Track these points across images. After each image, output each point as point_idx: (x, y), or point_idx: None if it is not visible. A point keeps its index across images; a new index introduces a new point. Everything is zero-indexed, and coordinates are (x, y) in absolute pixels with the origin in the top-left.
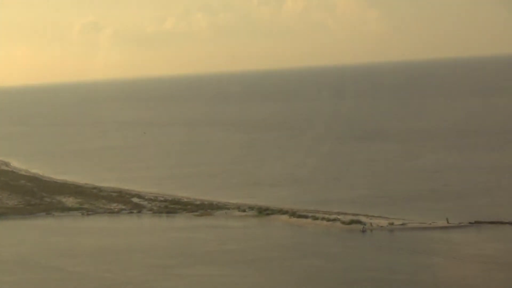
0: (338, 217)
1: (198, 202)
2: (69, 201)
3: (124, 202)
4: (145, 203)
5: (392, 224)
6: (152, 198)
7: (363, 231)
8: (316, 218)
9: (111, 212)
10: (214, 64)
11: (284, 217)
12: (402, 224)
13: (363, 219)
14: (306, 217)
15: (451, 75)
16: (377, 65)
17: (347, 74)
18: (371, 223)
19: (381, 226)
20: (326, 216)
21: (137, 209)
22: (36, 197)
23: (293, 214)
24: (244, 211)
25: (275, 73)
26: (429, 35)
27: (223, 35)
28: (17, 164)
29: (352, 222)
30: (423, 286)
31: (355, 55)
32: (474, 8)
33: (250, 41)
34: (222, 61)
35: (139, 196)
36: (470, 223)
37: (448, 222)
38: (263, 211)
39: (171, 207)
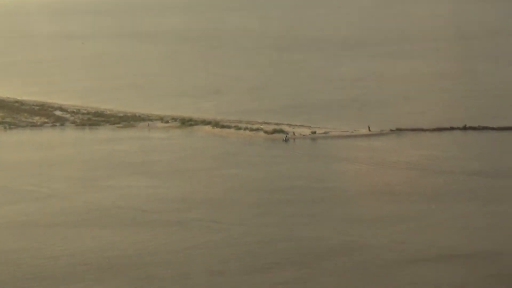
0: (261, 126)
1: (121, 114)
2: None
3: (47, 115)
4: (67, 116)
5: (314, 132)
6: (75, 111)
7: (286, 140)
8: (239, 128)
9: (34, 125)
10: None
11: (207, 128)
12: (324, 133)
13: (285, 128)
14: (229, 127)
15: None
16: None
17: None
18: (293, 132)
19: (304, 135)
20: (249, 126)
21: (60, 122)
22: None
23: (216, 124)
24: (167, 122)
25: None
26: None
27: None
28: None
29: (274, 131)
30: (348, 193)
31: None
32: None
33: None
34: None
35: (61, 109)
36: (391, 130)
37: (369, 130)
38: (186, 122)
39: (94, 119)
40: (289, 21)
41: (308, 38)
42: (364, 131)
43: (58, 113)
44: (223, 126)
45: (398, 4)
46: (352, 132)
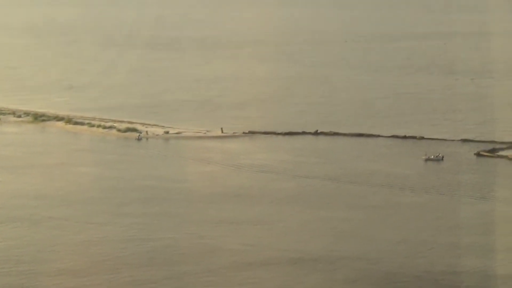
0: (114, 124)
1: None
2: None
3: None
4: None
5: (167, 132)
6: None
7: (139, 138)
8: (92, 125)
9: None
10: None
11: (60, 124)
12: (177, 133)
13: (139, 127)
14: (82, 124)
15: None
16: None
17: None
18: (146, 131)
19: (157, 134)
20: (103, 123)
21: None
22: None
23: (69, 120)
24: (19, 117)
25: None
26: None
27: None
28: None
29: (128, 129)
30: (201, 194)
31: None
32: None
33: None
34: None
35: None
36: (244, 133)
37: (222, 132)
38: (39, 117)
39: None
40: (151, 20)
41: (167, 38)
42: (217, 132)
43: None
44: (76, 123)
45: (257, 7)
46: (205, 133)
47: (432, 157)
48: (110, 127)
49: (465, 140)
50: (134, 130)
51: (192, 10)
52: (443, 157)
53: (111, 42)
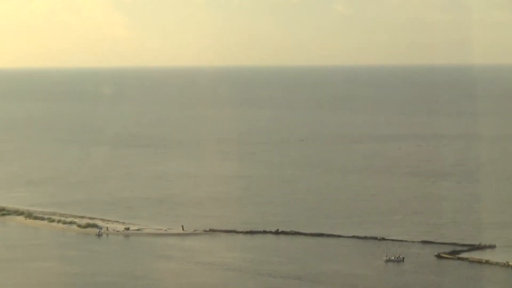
0: (75, 220)
1: None
2: None
3: None
4: None
5: (128, 229)
6: None
7: (99, 235)
8: (52, 221)
9: None
10: None
11: (20, 218)
12: (138, 230)
13: (99, 223)
14: (42, 219)
15: (189, 83)
16: (119, 70)
17: (89, 78)
18: (107, 227)
19: (117, 231)
20: (63, 218)
21: None
22: None
23: (29, 215)
24: None
25: (19, 72)
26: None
27: None
28: None
29: (88, 225)
30: None
31: (101, 58)
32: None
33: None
34: None
35: None
36: (205, 230)
37: (183, 229)
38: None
39: None
40: (115, 116)
41: (131, 135)
42: (178, 230)
43: None
44: (36, 218)
45: (218, 107)
46: (166, 230)
47: (393, 258)
48: (71, 223)
49: (425, 242)
50: (95, 226)
51: (157, 108)
52: (403, 258)
53: (73, 138)
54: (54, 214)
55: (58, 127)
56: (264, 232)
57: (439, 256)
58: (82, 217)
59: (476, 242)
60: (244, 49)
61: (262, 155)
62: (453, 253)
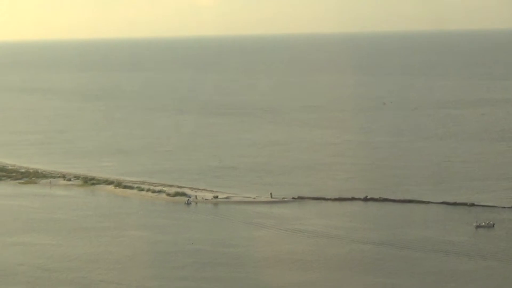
0: (164, 188)
1: (23, 170)
2: None
3: None
4: None
5: (216, 197)
6: None
7: (188, 203)
8: (141, 189)
9: None
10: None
11: (110, 187)
12: (226, 198)
13: (188, 191)
14: (131, 188)
15: (281, 50)
16: (208, 39)
17: (174, 47)
18: (196, 196)
19: (206, 199)
20: (152, 187)
21: None
22: None
23: (119, 184)
24: (69, 180)
25: (120, 41)
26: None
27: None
28: None
29: (177, 194)
30: (253, 259)
31: (185, 28)
32: None
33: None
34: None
35: None
36: (293, 198)
37: (272, 197)
38: (89, 181)
39: None
40: (203, 85)
41: (219, 103)
42: (266, 197)
43: None
44: (125, 187)
45: (309, 74)
46: (254, 198)
47: (483, 224)
48: (160, 191)
49: None
50: (183, 194)
51: (244, 76)
52: (494, 224)
53: (162, 107)
54: (143, 183)
55: (147, 96)
56: (353, 199)
57: None
58: (171, 185)
59: None
60: (334, 16)
61: (350, 121)
62: None
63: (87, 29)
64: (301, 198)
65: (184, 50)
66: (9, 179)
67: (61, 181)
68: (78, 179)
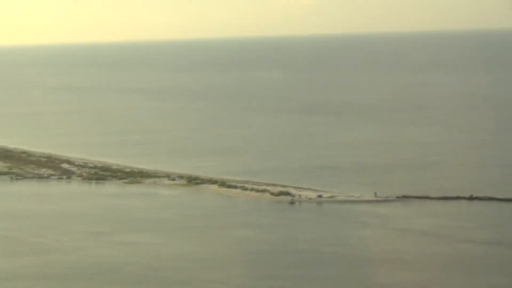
0: (267, 188)
1: (127, 170)
2: None
3: (54, 167)
4: (74, 169)
5: (320, 196)
6: (82, 164)
7: (292, 202)
8: (245, 189)
9: (40, 177)
10: (145, 32)
11: (214, 187)
12: (330, 197)
13: (292, 190)
14: (235, 187)
15: (384, 49)
16: (308, 38)
17: (283, 46)
18: (299, 195)
19: (310, 198)
20: (255, 187)
21: (67, 175)
22: None
23: (223, 184)
24: (173, 179)
25: (212, 42)
26: (363, 9)
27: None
28: None
29: (281, 193)
30: (357, 259)
31: (287, 26)
32: None
33: (174, 8)
34: (166, 28)
35: (68, 162)
36: (397, 197)
37: (376, 196)
38: (193, 180)
39: (101, 173)
40: (301, 83)
41: (317, 102)
42: (370, 196)
43: (65, 165)
44: (229, 186)
45: (411, 73)
46: (358, 197)
47: None
48: (263, 191)
49: None
50: (287, 193)
51: (344, 75)
52: None
53: (263, 106)
54: (247, 182)
55: (245, 95)
56: (458, 197)
57: None
58: (274, 185)
59: None
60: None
61: (454, 120)
62: None
63: (177, 29)
64: (405, 197)
65: (280, 49)
66: (114, 179)
67: (166, 181)
68: (182, 178)
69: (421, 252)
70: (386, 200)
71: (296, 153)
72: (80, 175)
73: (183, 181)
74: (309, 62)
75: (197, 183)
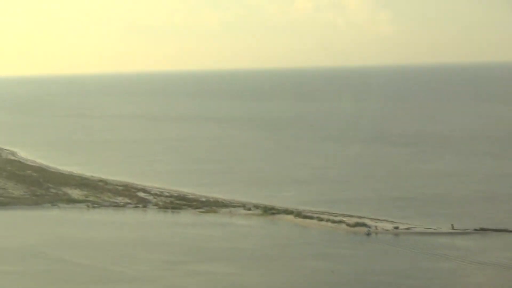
0: (343, 219)
1: (203, 199)
2: (75, 193)
3: (130, 196)
4: (150, 197)
5: (397, 228)
6: (158, 193)
7: (368, 234)
8: (321, 219)
9: (117, 205)
10: (223, 61)
11: (289, 217)
12: (407, 228)
13: (368, 222)
14: (311, 217)
15: (463, 80)
16: (387, 68)
17: (357, 76)
18: (376, 226)
19: (386, 230)
20: (331, 217)
21: (143, 203)
22: (42, 187)
23: (299, 214)
24: (249, 209)
25: (282, 71)
26: (440, 39)
27: (231, 31)
28: (24, 154)
29: (357, 224)
30: None
31: (364, 56)
32: (488, 12)
33: (258, 38)
34: (230, 58)
35: (144, 190)
36: (475, 229)
37: (453, 228)
38: (268, 210)
39: (177, 202)
40: (376, 113)
41: (396, 131)
42: (447, 228)
43: (141, 194)
44: (305, 216)
45: (490, 103)
46: (435, 229)
47: None
48: (339, 222)
49: None
50: (363, 224)
51: (416, 104)
52: None
53: (336, 137)
54: (322, 213)
55: (322, 125)
56: None
57: None
58: (350, 216)
59: None
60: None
61: None
62: None
63: (252, 58)
64: (483, 229)
65: (361, 79)
66: (189, 208)
67: (241, 210)
68: (257, 208)
69: (501, 287)
70: (463, 233)
71: (372, 184)
72: (156, 204)
73: (259, 211)
74: (376, 92)
75: (272, 213)
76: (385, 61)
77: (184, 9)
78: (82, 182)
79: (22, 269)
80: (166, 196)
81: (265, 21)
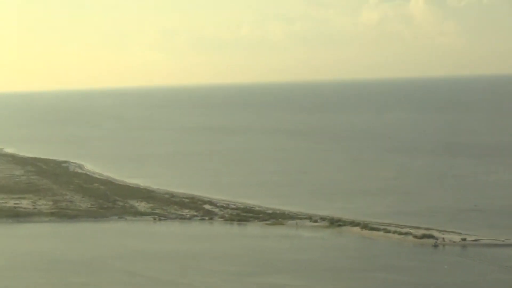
0: (410, 230)
1: (269, 211)
2: (141, 205)
3: (196, 208)
4: (216, 210)
5: (465, 239)
6: (224, 205)
7: (435, 245)
8: (388, 231)
9: (183, 218)
10: (289, 73)
11: (356, 229)
12: (475, 240)
13: (435, 233)
14: (378, 229)
15: None
16: (455, 79)
17: (424, 87)
18: (443, 238)
19: (454, 242)
20: (398, 229)
21: (209, 216)
22: (109, 200)
23: (365, 226)
24: (315, 221)
25: (350, 83)
26: (506, 50)
27: (299, 44)
28: (91, 167)
29: (424, 236)
30: None
31: (431, 68)
32: None
33: (326, 51)
34: (297, 70)
35: (211, 203)
36: None
37: None
38: (335, 222)
39: (243, 215)
40: (444, 124)
41: (464, 142)
42: None
43: (207, 206)
44: (372, 228)
45: None
46: (504, 241)
47: None
48: (406, 233)
49: None
50: (431, 236)
51: (482, 116)
52: None
53: (402, 148)
54: (389, 224)
55: (389, 136)
56: None
57: None
58: (417, 227)
59: None
60: None
61: None
62: None
63: (318, 70)
64: None
65: (425, 90)
66: (256, 220)
67: (308, 223)
68: (324, 220)
69: None
70: None
71: (440, 195)
72: (222, 216)
73: (325, 223)
74: (444, 104)
75: (339, 225)
76: (451, 72)
77: (251, 22)
78: (149, 195)
79: (95, 281)
80: (232, 208)
81: (332, 33)
